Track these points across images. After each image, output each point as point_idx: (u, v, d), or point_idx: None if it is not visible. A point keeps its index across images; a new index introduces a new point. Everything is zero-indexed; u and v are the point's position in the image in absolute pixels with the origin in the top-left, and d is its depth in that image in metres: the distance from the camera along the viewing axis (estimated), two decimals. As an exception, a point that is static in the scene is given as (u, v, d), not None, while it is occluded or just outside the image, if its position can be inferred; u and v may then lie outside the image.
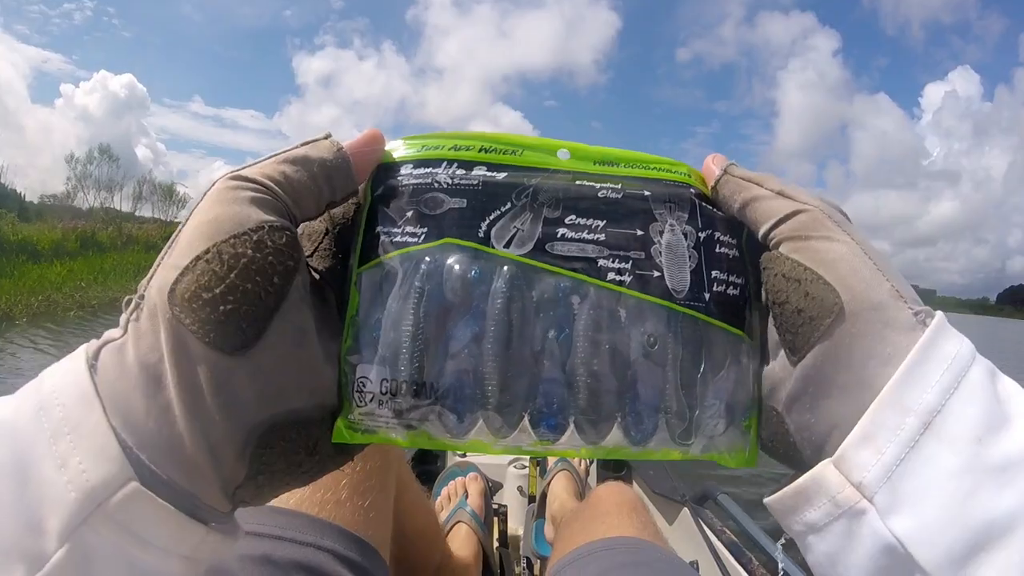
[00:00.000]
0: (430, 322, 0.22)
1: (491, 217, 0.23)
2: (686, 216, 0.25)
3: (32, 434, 0.18)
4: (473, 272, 0.23)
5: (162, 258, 0.20)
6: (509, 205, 0.24)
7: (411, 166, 0.24)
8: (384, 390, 0.22)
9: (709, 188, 0.26)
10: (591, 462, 1.30)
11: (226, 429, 0.19)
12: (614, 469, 1.33)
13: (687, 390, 0.23)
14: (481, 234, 0.23)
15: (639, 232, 0.24)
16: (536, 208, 0.24)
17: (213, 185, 0.21)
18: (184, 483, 0.19)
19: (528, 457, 1.37)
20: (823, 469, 0.21)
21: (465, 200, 0.24)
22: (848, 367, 0.21)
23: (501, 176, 0.24)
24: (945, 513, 0.18)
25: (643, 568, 0.51)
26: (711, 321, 0.24)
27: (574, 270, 0.23)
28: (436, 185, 0.24)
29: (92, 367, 0.19)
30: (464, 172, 0.24)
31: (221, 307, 0.19)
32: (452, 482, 1.08)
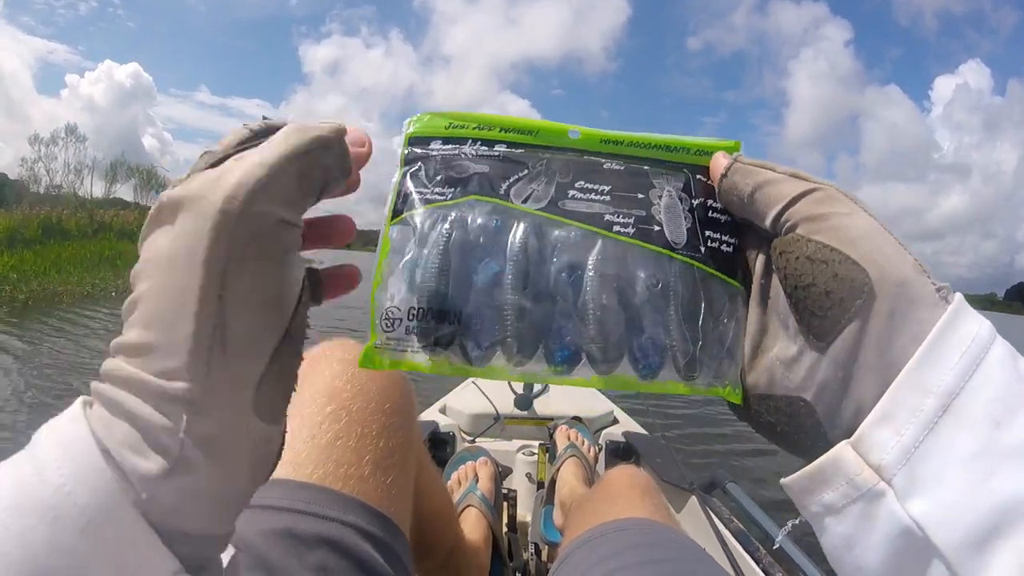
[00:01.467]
0: (455, 260, 0.25)
1: (510, 180, 0.27)
2: (681, 185, 0.28)
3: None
4: (495, 221, 0.26)
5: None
6: (526, 171, 0.27)
7: (440, 142, 0.28)
8: (411, 316, 0.24)
9: (716, 183, 0.27)
10: (600, 450, 1.31)
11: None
12: (623, 456, 1.34)
13: (690, 329, 0.26)
14: (502, 192, 0.27)
15: (640, 196, 0.27)
16: (550, 174, 0.27)
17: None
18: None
19: (537, 443, 1.38)
20: (841, 450, 0.21)
21: (488, 167, 0.27)
22: (878, 347, 0.21)
23: (519, 151, 0.28)
24: (963, 496, 0.18)
25: (656, 549, 0.52)
26: (708, 270, 0.27)
27: (583, 222, 0.26)
28: (462, 156, 0.28)
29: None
30: (487, 148, 0.28)
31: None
32: (463, 466, 1.09)
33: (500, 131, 0.28)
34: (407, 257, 0.25)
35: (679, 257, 0.26)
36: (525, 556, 1.09)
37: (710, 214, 0.28)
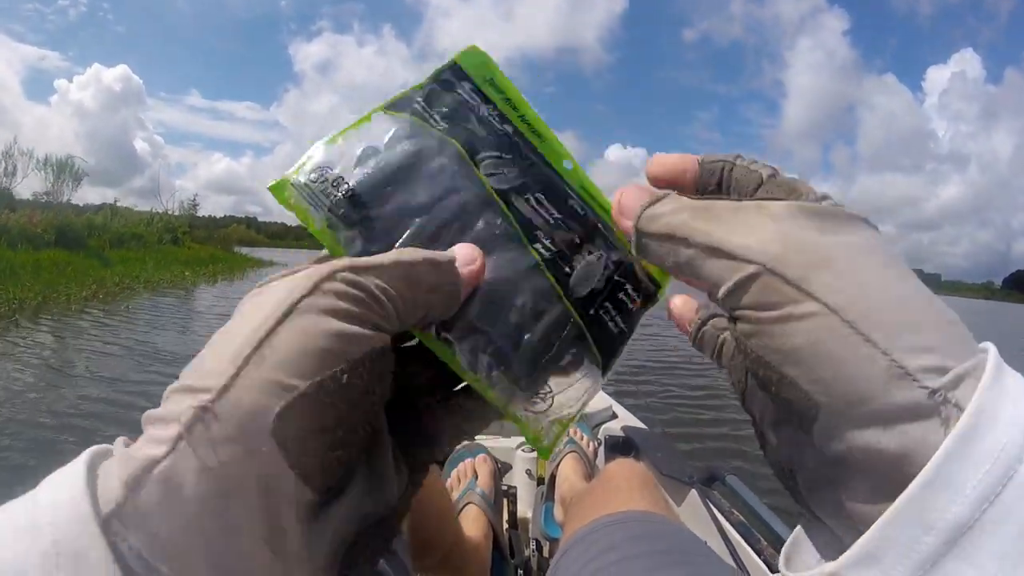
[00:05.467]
0: (402, 175, 0.26)
1: (492, 153, 0.28)
2: (616, 258, 0.28)
3: None
4: (454, 170, 0.27)
5: (248, 358, 0.16)
6: (511, 157, 0.28)
7: (470, 86, 0.29)
8: (335, 185, 0.24)
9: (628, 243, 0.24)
10: (599, 445, 1.31)
11: (310, 568, 0.17)
12: (622, 451, 1.34)
13: (535, 366, 0.25)
14: (479, 157, 0.27)
15: (577, 240, 0.28)
16: (524, 173, 0.28)
17: (316, 268, 0.18)
18: None
19: None
20: None
21: (485, 132, 0.28)
22: (852, 467, 0.18)
23: (517, 140, 0.29)
24: None
25: (656, 541, 0.52)
26: (584, 332, 0.27)
27: (516, 221, 0.27)
28: (475, 110, 0.28)
29: (122, 504, 0.15)
30: (498, 120, 0.29)
31: (339, 452, 0.17)
32: (462, 464, 1.09)
33: (519, 117, 0.29)
34: (372, 144, 0.26)
35: (567, 303, 0.26)
36: (526, 552, 1.08)
37: (620, 295, 0.28)
